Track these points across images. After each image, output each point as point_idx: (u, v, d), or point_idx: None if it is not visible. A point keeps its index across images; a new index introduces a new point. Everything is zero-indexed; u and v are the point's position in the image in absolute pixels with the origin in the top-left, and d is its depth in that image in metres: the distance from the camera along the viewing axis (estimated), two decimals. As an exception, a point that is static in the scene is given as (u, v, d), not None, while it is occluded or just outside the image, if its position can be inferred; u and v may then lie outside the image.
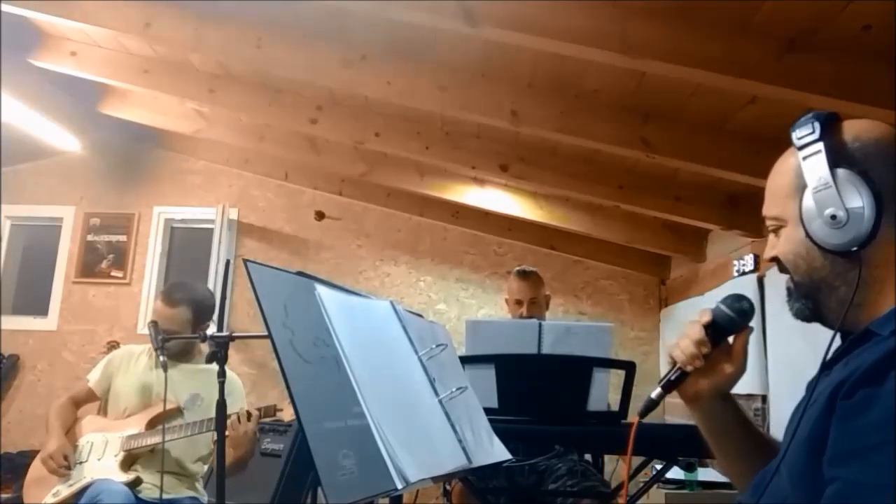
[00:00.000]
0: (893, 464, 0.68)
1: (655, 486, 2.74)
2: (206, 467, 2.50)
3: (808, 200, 0.88)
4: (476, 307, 4.82)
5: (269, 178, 5.04)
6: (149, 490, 2.28)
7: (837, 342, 0.89)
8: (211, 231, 4.78)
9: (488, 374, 1.96)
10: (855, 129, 0.90)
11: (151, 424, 2.33)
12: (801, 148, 0.90)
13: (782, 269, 0.96)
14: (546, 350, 2.11)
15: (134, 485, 2.24)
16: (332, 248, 4.97)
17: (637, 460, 2.40)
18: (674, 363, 1.05)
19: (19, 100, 3.94)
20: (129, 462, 2.31)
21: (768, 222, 0.97)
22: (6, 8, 3.01)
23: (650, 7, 2.01)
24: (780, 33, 1.93)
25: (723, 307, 1.03)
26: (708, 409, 1.06)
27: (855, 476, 0.71)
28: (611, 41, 2.04)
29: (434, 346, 1.45)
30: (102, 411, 2.49)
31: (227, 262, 4.73)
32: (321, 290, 1.19)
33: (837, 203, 0.85)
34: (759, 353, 2.94)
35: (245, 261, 1.06)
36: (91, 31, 3.46)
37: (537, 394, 1.98)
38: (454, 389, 1.40)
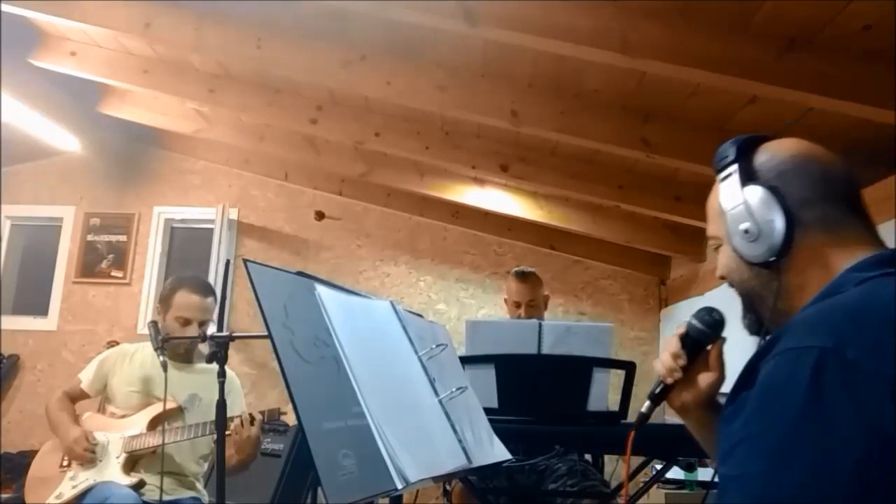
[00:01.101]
0: (752, 455, 0.73)
1: (655, 486, 2.74)
2: (206, 465, 2.49)
3: (727, 219, 0.96)
4: (476, 307, 4.82)
5: (269, 178, 5.04)
6: (151, 492, 2.27)
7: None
8: (211, 231, 4.78)
9: (488, 374, 1.96)
10: (771, 148, 0.97)
11: (153, 425, 2.31)
12: (718, 171, 0.98)
13: (730, 286, 1.02)
14: (546, 350, 2.11)
15: (137, 488, 2.23)
16: (332, 248, 4.97)
17: (637, 460, 2.40)
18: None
19: (19, 100, 3.94)
20: (130, 463, 2.30)
21: (710, 241, 1.04)
22: (6, 8, 3.02)
23: (650, 7, 2.01)
24: (780, 33, 1.93)
25: (693, 320, 1.08)
26: (696, 418, 1.10)
27: (726, 472, 0.76)
28: (611, 41, 2.04)
29: (434, 346, 1.45)
30: (101, 409, 2.48)
31: (227, 262, 4.72)
32: (321, 290, 1.19)
33: (749, 218, 0.92)
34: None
35: (245, 261, 1.06)
36: (91, 31, 3.46)
37: (537, 394, 1.98)
38: (454, 389, 1.40)
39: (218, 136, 4.43)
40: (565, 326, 2.23)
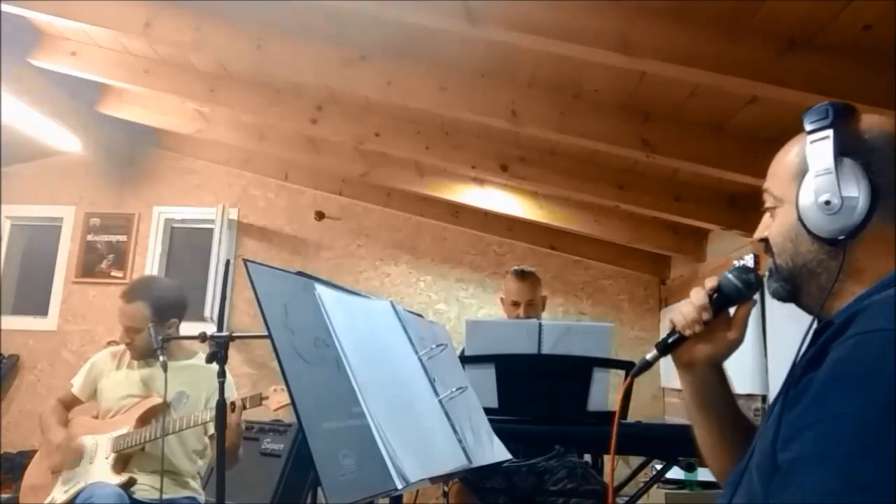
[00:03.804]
0: (831, 437, 0.69)
1: (655, 486, 2.74)
2: (201, 462, 2.49)
3: (808, 184, 0.89)
4: (476, 307, 4.81)
5: (269, 178, 5.04)
6: (144, 491, 2.27)
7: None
8: (211, 231, 4.78)
9: (488, 374, 1.96)
10: (868, 122, 0.91)
11: (140, 422, 2.32)
12: (810, 132, 0.91)
13: (768, 251, 0.97)
14: (546, 350, 2.11)
15: (127, 486, 2.23)
16: (332, 248, 4.97)
17: (637, 460, 2.40)
18: (673, 327, 1.05)
19: (19, 100, 3.93)
20: (121, 463, 2.30)
21: (767, 199, 0.98)
22: (6, 8, 3.01)
23: (650, 7, 2.01)
24: (780, 33, 1.93)
25: (730, 276, 1.02)
26: (700, 377, 1.06)
27: (796, 455, 0.72)
28: (611, 41, 2.04)
29: (434, 346, 1.45)
30: (96, 412, 2.49)
31: (227, 262, 4.72)
32: (321, 290, 1.19)
33: (834, 190, 0.86)
34: (759, 353, 2.94)
35: (245, 261, 1.06)
36: (91, 31, 3.46)
37: (537, 394, 1.98)
38: (454, 389, 1.40)
39: (218, 136, 4.42)
40: (565, 326, 2.23)
